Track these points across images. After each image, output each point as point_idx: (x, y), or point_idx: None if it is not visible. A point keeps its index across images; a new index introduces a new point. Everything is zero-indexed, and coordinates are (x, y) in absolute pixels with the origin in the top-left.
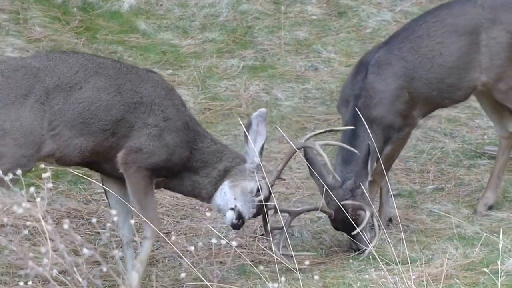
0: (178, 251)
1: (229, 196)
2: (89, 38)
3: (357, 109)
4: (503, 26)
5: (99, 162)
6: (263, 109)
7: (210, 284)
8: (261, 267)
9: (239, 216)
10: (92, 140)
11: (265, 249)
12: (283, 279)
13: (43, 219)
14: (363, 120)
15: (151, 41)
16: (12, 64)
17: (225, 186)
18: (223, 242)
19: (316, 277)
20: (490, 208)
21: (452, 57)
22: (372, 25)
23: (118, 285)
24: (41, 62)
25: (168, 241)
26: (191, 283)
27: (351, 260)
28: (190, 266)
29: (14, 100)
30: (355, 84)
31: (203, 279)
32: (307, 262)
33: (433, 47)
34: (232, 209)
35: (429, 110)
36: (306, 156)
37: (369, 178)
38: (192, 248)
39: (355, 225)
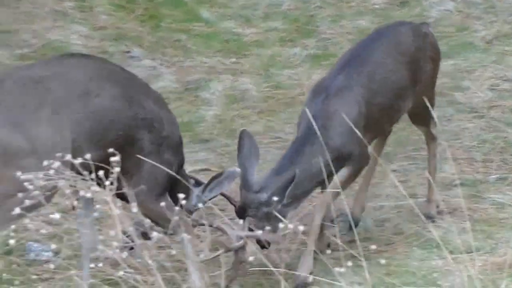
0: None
1: None
2: (153, 27)
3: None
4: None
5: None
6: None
7: (276, 270)
8: (326, 253)
9: None
10: (100, 154)
11: (330, 236)
12: (350, 263)
13: (112, 202)
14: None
15: (214, 29)
16: (18, 78)
17: None
18: (290, 226)
19: (382, 261)
20: None
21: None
22: (434, 14)
23: (186, 269)
24: (50, 70)
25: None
26: (256, 268)
27: (414, 248)
28: (258, 251)
29: (29, 118)
30: (312, 106)
31: (268, 264)
32: (373, 246)
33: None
34: None
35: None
36: (239, 140)
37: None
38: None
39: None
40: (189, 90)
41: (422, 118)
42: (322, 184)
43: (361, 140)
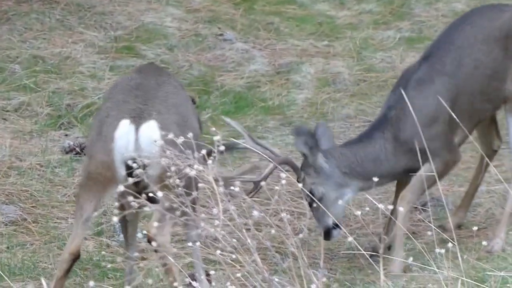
0: (335, 220)
1: None
2: (246, 9)
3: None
4: None
5: None
6: None
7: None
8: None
9: None
10: None
11: (419, 220)
12: (458, 244)
13: (214, 181)
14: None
15: (307, 12)
16: None
17: None
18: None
19: (484, 242)
20: None
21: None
22: None
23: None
24: None
25: (326, 211)
26: (344, 252)
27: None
28: (346, 234)
29: None
30: (392, 95)
31: (359, 247)
32: (475, 228)
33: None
34: None
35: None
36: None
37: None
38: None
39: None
40: (281, 73)
41: None
42: (384, 176)
43: (443, 136)
